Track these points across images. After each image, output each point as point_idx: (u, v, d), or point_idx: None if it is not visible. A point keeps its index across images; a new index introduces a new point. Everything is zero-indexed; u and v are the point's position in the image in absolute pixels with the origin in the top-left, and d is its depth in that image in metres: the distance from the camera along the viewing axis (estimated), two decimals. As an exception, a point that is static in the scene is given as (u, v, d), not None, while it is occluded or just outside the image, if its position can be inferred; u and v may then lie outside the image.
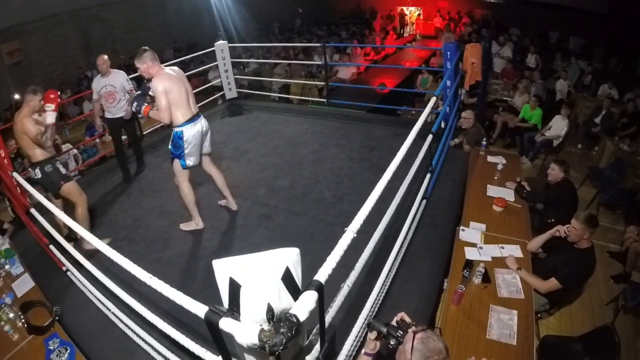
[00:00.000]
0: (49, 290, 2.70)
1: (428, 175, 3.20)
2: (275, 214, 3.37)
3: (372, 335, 1.47)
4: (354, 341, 1.82)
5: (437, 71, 7.77)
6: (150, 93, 2.80)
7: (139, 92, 2.98)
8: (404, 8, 14.11)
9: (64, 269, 2.74)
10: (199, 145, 2.96)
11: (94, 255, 2.59)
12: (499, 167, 3.53)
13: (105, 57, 3.75)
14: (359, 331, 1.87)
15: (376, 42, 11.33)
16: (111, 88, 3.75)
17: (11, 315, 2.38)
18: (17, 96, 8.81)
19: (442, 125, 4.02)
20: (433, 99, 3.14)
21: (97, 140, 5.84)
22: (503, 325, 2.15)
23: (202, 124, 2.95)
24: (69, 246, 2.24)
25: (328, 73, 6.65)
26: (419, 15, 14.03)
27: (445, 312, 2.29)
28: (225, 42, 5.53)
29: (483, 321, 2.18)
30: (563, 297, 2.66)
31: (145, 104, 2.80)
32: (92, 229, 3.19)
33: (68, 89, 9.28)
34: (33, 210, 2.93)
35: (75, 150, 5.42)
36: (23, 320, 2.31)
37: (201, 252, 3.01)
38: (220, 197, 3.51)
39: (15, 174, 2.96)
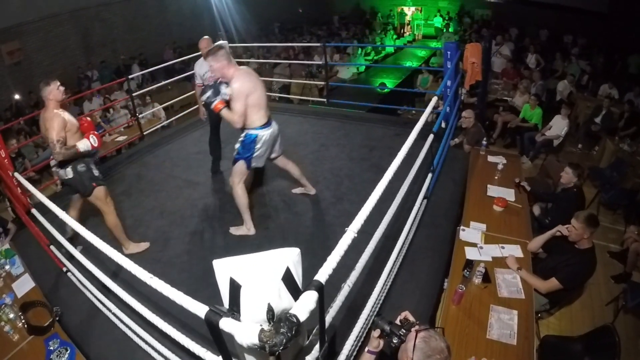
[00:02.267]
0: (49, 290, 2.69)
1: (429, 175, 3.20)
2: (276, 214, 3.36)
3: (376, 333, 1.48)
4: (355, 341, 1.82)
5: (437, 71, 7.78)
6: (225, 94, 2.62)
7: (215, 84, 2.72)
8: (404, 8, 14.12)
9: (64, 269, 2.74)
10: (270, 149, 2.90)
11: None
12: (500, 167, 3.53)
13: (208, 38, 3.69)
14: (360, 331, 1.87)
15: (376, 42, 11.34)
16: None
17: (11, 315, 2.37)
18: (17, 96, 8.83)
19: (443, 125, 4.02)
20: (434, 99, 3.14)
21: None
22: (503, 325, 2.15)
23: (275, 127, 2.87)
24: (69, 246, 2.24)
25: (328, 73, 6.65)
26: (418, 15, 14.04)
27: (445, 312, 2.29)
28: (226, 42, 5.51)
29: (483, 321, 2.18)
30: (563, 297, 2.66)
31: (219, 99, 2.61)
32: (92, 228, 3.19)
33: (68, 89, 9.29)
34: (34, 211, 2.93)
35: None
36: (23, 321, 2.31)
37: (201, 252, 3.01)
38: (298, 186, 3.50)
39: (16, 174, 2.97)
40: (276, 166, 4.06)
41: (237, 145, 2.83)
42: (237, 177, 2.88)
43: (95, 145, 2.63)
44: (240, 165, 2.85)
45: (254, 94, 2.63)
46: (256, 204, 3.52)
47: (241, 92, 2.57)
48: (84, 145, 2.59)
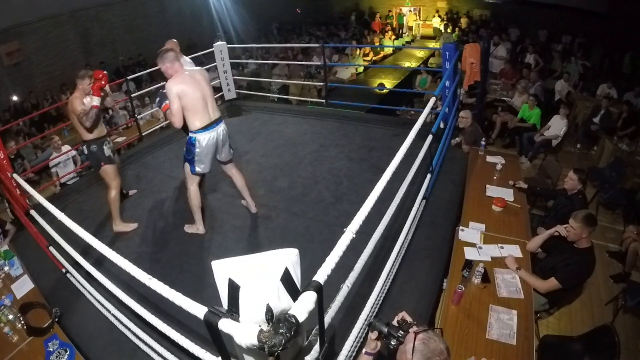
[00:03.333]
0: (48, 291, 2.69)
1: (428, 176, 3.20)
2: (275, 215, 3.37)
3: (373, 335, 1.46)
4: (354, 342, 1.82)
5: (436, 71, 7.78)
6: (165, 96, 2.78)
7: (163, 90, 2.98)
8: (403, 8, 14.13)
9: (63, 270, 2.74)
10: (212, 154, 2.89)
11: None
12: (498, 167, 3.53)
13: (174, 40, 3.88)
14: (359, 332, 1.87)
15: (374, 43, 11.35)
16: None
17: (10, 316, 2.37)
18: (15, 97, 8.82)
19: (442, 125, 4.03)
20: (432, 99, 3.15)
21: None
22: (503, 325, 2.15)
23: (218, 132, 2.86)
24: (68, 247, 2.24)
25: (327, 74, 6.66)
26: (417, 15, 14.05)
27: (445, 312, 2.29)
28: (224, 42, 5.53)
29: (483, 321, 2.18)
30: (563, 296, 2.66)
31: (166, 102, 2.76)
32: (92, 229, 3.20)
33: (68, 90, 9.29)
34: (32, 212, 2.94)
35: (74, 152, 5.41)
36: (22, 322, 2.30)
37: (200, 252, 3.01)
38: (241, 198, 3.45)
39: (15, 175, 2.97)
40: (276, 167, 4.09)
41: (184, 149, 2.91)
42: (189, 179, 2.99)
43: (96, 103, 2.94)
44: (187, 168, 2.93)
45: (187, 96, 2.65)
46: (255, 204, 3.52)
47: (171, 91, 2.62)
48: (94, 101, 2.94)
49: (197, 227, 3.19)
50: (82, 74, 2.98)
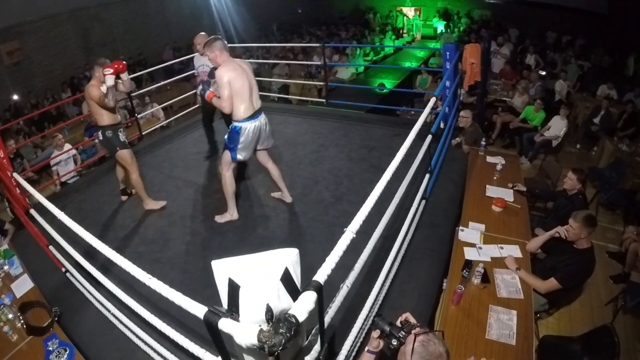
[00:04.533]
0: (48, 290, 2.69)
1: (427, 176, 3.20)
2: (275, 215, 3.36)
3: (376, 333, 1.47)
4: (354, 342, 1.82)
5: (436, 71, 7.78)
6: (213, 83, 2.88)
7: (208, 79, 3.15)
8: (403, 8, 14.12)
9: (63, 269, 2.74)
10: (254, 142, 2.98)
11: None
12: (498, 167, 3.53)
13: (204, 34, 3.89)
14: (359, 331, 1.87)
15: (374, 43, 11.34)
16: (206, 68, 3.90)
17: (10, 316, 2.37)
18: (16, 97, 8.82)
19: (442, 125, 4.03)
20: (432, 99, 3.14)
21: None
22: (502, 325, 2.15)
23: (262, 121, 2.96)
24: (68, 246, 2.24)
25: (327, 73, 6.65)
26: (418, 15, 14.04)
27: (444, 312, 2.29)
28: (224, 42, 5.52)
29: (482, 321, 2.18)
30: (562, 297, 2.66)
31: (210, 90, 2.87)
32: (92, 228, 3.19)
33: (69, 89, 9.29)
34: (32, 211, 2.93)
35: (74, 151, 5.42)
36: (22, 321, 2.31)
37: (200, 252, 3.01)
38: (276, 190, 3.52)
39: (15, 175, 2.96)
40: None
41: (225, 136, 2.97)
42: (225, 166, 3.03)
43: (112, 71, 3.00)
44: (226, 155, 2.99)
45: (236, 82, 2.72)
46: (255, 204, 3.52)
47: (222, 79, 2.69)
48: (109, 81, 3.01)
49: (231, 214, 3.24)
50: (100, 62, 3.06)
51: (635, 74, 7.95)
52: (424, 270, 2.66)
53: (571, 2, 10.54)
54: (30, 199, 3.34)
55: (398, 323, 1.42)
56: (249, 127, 2.86)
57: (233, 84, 2.70)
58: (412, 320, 1.42)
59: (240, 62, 2.88)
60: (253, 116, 2.86)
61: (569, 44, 9.73)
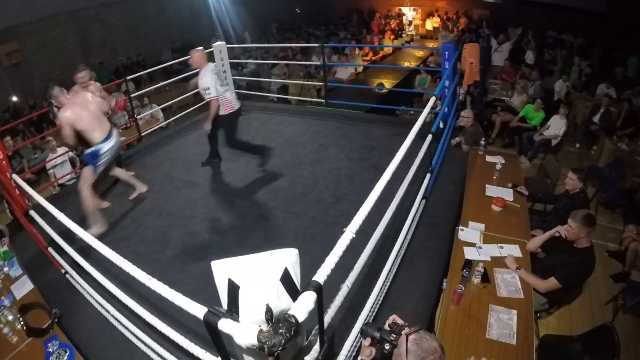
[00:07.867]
0: (47, 292, 2.68)
1: (427, 175, 3.20)
2: (274, 215, 3.36)
3: (366, 342, 1.43)
4: (354, 342, 1.82)
5: (435, 71, 7.78)
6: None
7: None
8: (402, 8, 14.12)
9: (63, 271, 2.73)
10: (113, 156, 3.34)
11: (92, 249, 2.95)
12: (498, 166, 3.53)
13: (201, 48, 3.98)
14: (359, 332, 1.86)
15: (374, 43, 11.34)
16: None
17: (10, 317, 2.37)
18: (14, 98, 8.80)
19: (441, 125, 4.03)
20: (432, 99, 3.14)
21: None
22: (502, 324, 2.15)
23: (115, 138, 3.29)
24: (68, 248, 2.24)
25: (326, 73, 6.65)
26: (417, 15, 14.05)
27: (444, 312, 2.29)
28: (224, 42, 5.53)
29: (482, 321, 2.18)
30: (562, 296, 2.66)
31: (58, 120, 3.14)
32: (88, 229, 3.19)
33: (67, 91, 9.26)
34: (32, 212, 2.93)
35: (71, 153, 5.39)
36: (22, 323, 2.30)
37: (200, 253, 3.01)
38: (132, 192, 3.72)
39: (14, 176, 2.96)
40: (276, 167, 4.08)
41: (87, 154, 3.20)
42: (85, 182, 3.18)
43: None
44: (88, 170, 3.19)
45: (81, 122, 3.04)
46: (255, 204, 3.52)
47: (63, 122, 3.00)
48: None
49: (96, 227, 3.23)
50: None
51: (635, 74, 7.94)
52: (424, 269, 2.66)
53: (570, 2, 10.55)
54: (29, 200, 3.33)
55: (386, 326, 1.40)
56: (107, 147, 3.19)
57: (78, 124, 3.04)
58: (400, 321, 1.40)
59: (84, 97, 3.23)
60: (108, 136, 3.20)
61: (571, 44, 9.73)
